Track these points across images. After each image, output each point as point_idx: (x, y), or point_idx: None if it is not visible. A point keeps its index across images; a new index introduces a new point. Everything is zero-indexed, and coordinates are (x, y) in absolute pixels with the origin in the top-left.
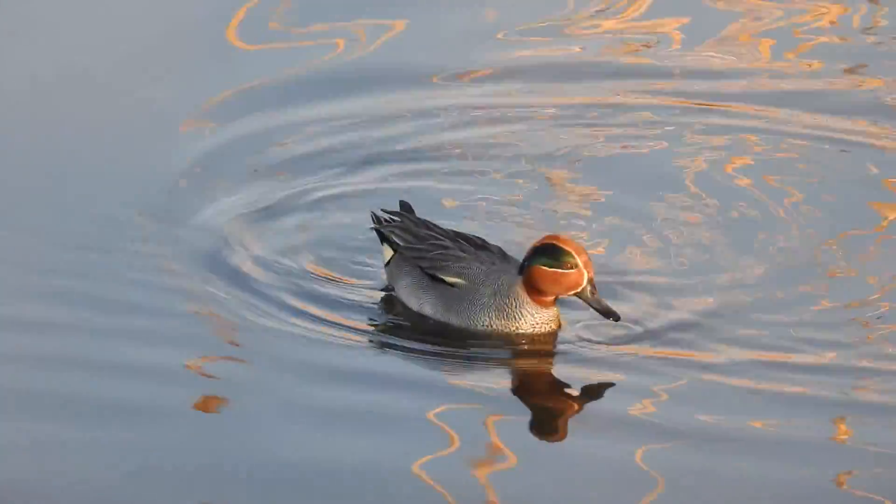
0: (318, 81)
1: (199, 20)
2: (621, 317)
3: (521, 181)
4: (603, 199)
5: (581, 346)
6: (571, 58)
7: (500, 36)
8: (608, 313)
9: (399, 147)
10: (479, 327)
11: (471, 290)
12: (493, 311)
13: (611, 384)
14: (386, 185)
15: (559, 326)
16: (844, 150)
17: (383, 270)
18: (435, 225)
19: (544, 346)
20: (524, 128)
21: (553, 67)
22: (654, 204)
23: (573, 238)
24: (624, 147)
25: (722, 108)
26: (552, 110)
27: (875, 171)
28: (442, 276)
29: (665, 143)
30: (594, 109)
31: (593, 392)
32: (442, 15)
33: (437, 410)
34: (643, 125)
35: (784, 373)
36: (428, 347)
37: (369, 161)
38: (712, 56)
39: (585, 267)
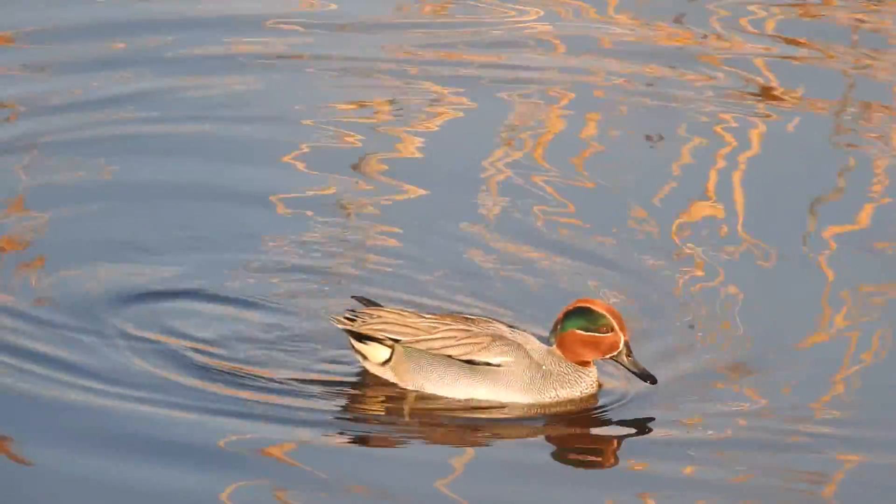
0: None
1: None
2: (658, 380)
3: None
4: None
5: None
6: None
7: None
8: (646, 376)
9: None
10: (547, 400)
11: (521, 366)
12: (555, 380)
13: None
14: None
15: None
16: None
17: (381, 369)
18: (416, 312)
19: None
20: (318, 120)
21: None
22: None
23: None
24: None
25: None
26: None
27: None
28: (485, 360)
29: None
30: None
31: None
32: None
33: None
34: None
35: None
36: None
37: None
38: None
39: (621, 329)
